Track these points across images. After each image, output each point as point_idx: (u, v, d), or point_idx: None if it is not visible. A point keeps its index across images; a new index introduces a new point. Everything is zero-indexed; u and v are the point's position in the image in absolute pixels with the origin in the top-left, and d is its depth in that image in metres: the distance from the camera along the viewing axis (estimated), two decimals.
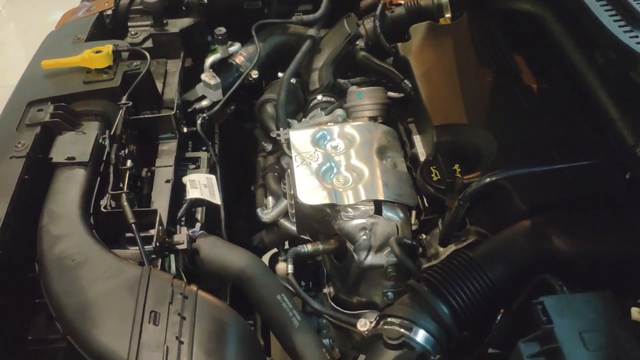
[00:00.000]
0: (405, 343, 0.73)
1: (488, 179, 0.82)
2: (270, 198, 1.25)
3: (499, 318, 0.75)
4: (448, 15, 1.24)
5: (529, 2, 1.05)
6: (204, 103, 1.29)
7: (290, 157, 1.08)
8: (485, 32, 1.14)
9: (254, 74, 1.33)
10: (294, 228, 1.16)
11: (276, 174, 1.26)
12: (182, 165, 1.10)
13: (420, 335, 0.75)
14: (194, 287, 0.76)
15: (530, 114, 0.97)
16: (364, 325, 0.82)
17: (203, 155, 1.16)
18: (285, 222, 1.20)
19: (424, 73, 1.10)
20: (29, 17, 3.41)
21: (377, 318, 0.80)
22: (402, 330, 0.75)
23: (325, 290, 1.11)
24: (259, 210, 1.23)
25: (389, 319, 0.77)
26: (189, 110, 1.26)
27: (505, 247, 0.81)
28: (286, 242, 1.26)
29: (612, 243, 0.79)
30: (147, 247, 0.83)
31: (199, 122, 1.22)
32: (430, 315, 0.76)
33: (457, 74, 1.08)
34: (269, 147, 1.27)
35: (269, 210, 1.22)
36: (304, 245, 1.03)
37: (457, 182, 0.92)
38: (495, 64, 1.07)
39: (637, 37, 0.73)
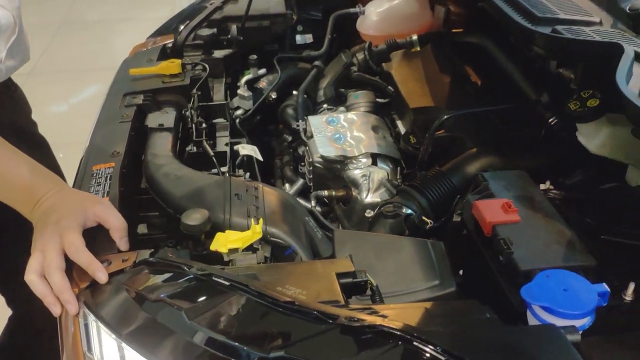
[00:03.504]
0: (397, 215, 1.13)
1: (445, 117, 1.26)
2: (287, 185, 1.65)
3: (456, 201, 1.15)
4: (418, 48, 1.72)
5: (475, 36, 1.55)
6: (238, 112, 1.72)
7: (306, 143, 1.51)
8: (444, 54, 1.62)
9: (273, 95, 1.78)
10: (307, 204, 1.56)
11: (291, 167, 1.68)
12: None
13: (407, 212, 1.15)
14: (259, 184, 1.16)
15: (475, 97, 1.43)
16: (369, 213, 1.21)
17: (243, 140, 1.57)
18: (300, 200, 1.60)
19: (402, 80, 1.57)
20: None
21: (379, 207, 1.20)
22: (395, 209, 1.15)
23: None
24: None
25: (386, 205, 1.17)
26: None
27: (462, 164, 1.23)
28: None
29: (529, 159, 1.23)
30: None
31: (237, 121, 1.64)
32: (414, 203, 1.17)
33: (425, 78, 1.54)
34: (289, 138, 1.70)
35: (287, 191, 1.62)
36: (322, 191, 1.43)
37: (427, 139, 1.35)
38: (451, 72, 1.55)
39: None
